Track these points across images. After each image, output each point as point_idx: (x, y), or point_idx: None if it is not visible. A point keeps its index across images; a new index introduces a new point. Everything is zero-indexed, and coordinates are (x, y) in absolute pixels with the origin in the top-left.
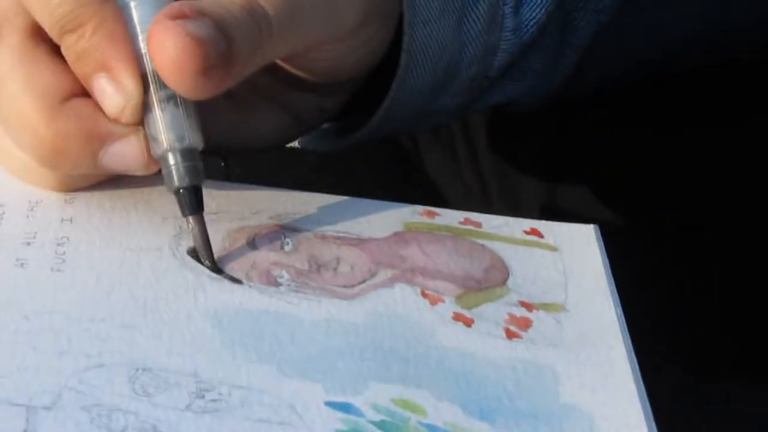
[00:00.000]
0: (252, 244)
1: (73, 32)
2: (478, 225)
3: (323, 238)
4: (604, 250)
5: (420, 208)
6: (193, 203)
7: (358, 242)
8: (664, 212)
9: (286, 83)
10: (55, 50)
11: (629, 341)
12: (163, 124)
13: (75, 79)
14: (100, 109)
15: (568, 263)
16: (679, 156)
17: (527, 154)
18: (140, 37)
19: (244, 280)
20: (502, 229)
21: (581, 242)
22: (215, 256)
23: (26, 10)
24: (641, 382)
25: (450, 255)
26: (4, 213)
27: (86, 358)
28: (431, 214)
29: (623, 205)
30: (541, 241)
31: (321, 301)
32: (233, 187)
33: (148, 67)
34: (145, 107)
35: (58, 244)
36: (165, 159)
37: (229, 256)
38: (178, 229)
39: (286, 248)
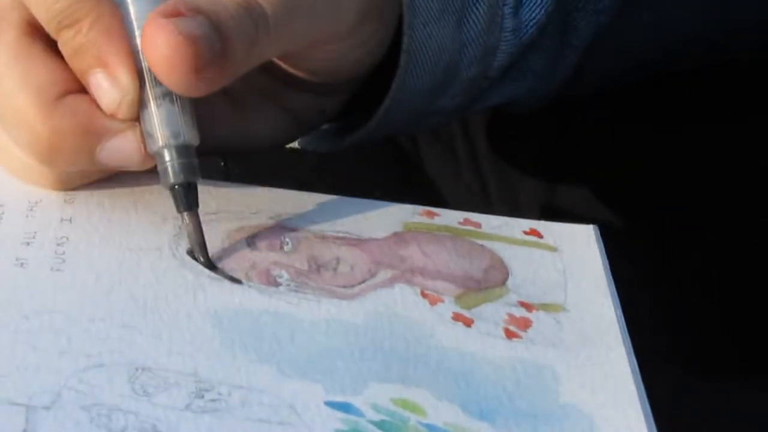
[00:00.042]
0: (252, 244)
1: (70, 28)
2: (478, 225)
3: (323, 238)
4: (603, 250)
5: (420, 208)
6: (187, 200)
7: (358, 242)
8: (664, 212)
9: (285, 83)
10: (51, 47)
11: (629, 341)
12: (158, 120)
13: (71, 76)
14: (97, 106)
15: (567, 263)
16: (679, 156)
17: (527, 154)
18: (136, 33)
19: (243, 280)
20: (501, 229)
21: (581, 242)
22: (215, 256)
23: (23, 6)
24: (641, 383)
25: (450, 255)
26: (3, 213)
27: (86, 357)
28: (431, 215)
29: (623, 205)
30: (541, 241)
31: (321, 301)
32: (233, 186)
33: (144, 64)
34: (141, 103)
35: (58, 244)
36: (160, 155)
37: (229, 256)
38: (178, 229)
39: (286, 248)
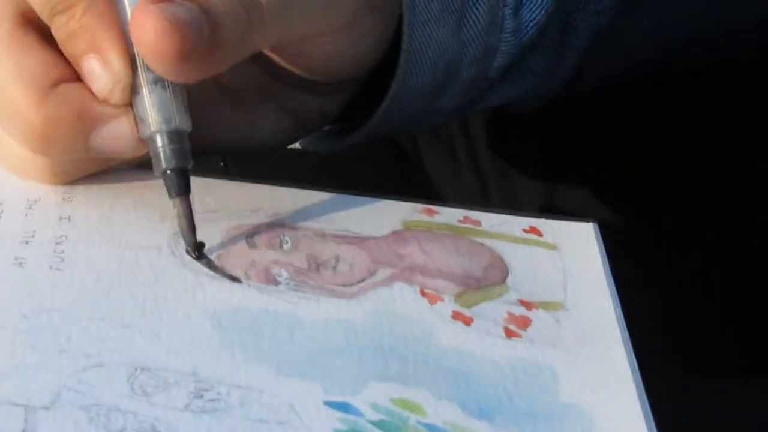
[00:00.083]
0: (251, 243)
1: (63, 13)
2: (478, 223)
3: (323, 236)
4: (603, 247)
5: (420, 206)
6: (179, 185)
7: (358, 241)
8: (664, 212)
9: (286, 83)
10: (44, 38)
11: (629, 340)
12: (150, 106)
13: (64, 66)
14: (90, 93)
15: (567, 261)
16: (679, 156)
17: (527, 154)
18: (129, 19)
19: (243, 279)
20: (501, 227)
21: (580, 240)
22: (215, 254)
23: None
24: (641, 381)
25: (449, 253)
26: (2, 211)
27: (85, 357)
28: (431, 212)
29: (623, 205)
30: (541, 239)
31: (320, 300)
32: (232, 183)
33: (136, 49)
34: (134, 89)
35: (57, 243)
36: (152, 141)
37: (229, 255)
38: (177, 227)
39: (285, 246)
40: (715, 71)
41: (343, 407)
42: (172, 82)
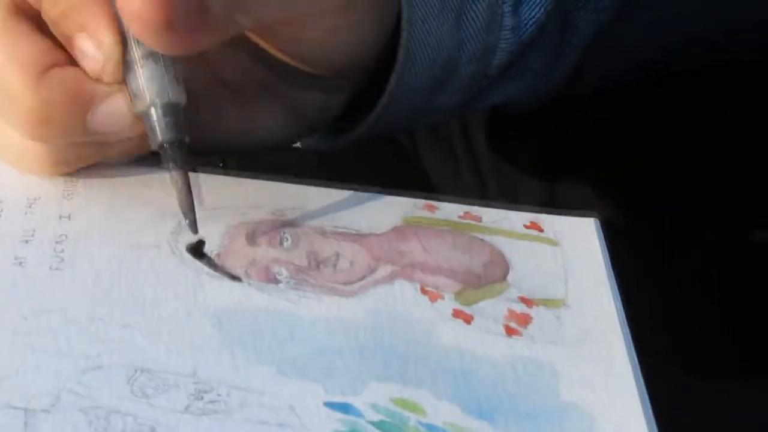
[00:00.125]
0: (251, 240)
1: None
2: (478, 219)
3: (323, 233)
4: (604, 243)
5: (421, 201)
6: (176, 157)
7: (358, 238)
8: (664, 212)
9: (286, 79)
10: (37, 26)
11: (629, 338)
12: (143, 80)
13: (58, 51)
14: (84, 75)
15: (568, 258)
16: (679, 156)
17: (527, 154)
18: None
19: (243, 278)
20: (502, 223)
21: (582, 236)
22: (215, 252)
23: None
24: (641, 380)
25: (450, 250)
26: (2, 210)
27: (85, 359)
28: (432, 208)
29: (623, 205)
30: (542, 235)
31: (320, 298)
32: (231, 179)
33: (126, 25)
34: (126, 66)
35: (57, 242)
36: (147, 115)
37: (229, 253)
38: (177, 225)
39: (285, 244)
40: (715, 71)
41: (344, 408)
42: (164, 57)
